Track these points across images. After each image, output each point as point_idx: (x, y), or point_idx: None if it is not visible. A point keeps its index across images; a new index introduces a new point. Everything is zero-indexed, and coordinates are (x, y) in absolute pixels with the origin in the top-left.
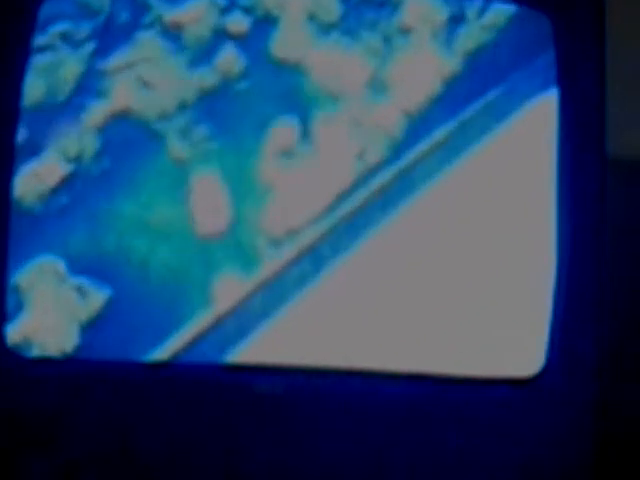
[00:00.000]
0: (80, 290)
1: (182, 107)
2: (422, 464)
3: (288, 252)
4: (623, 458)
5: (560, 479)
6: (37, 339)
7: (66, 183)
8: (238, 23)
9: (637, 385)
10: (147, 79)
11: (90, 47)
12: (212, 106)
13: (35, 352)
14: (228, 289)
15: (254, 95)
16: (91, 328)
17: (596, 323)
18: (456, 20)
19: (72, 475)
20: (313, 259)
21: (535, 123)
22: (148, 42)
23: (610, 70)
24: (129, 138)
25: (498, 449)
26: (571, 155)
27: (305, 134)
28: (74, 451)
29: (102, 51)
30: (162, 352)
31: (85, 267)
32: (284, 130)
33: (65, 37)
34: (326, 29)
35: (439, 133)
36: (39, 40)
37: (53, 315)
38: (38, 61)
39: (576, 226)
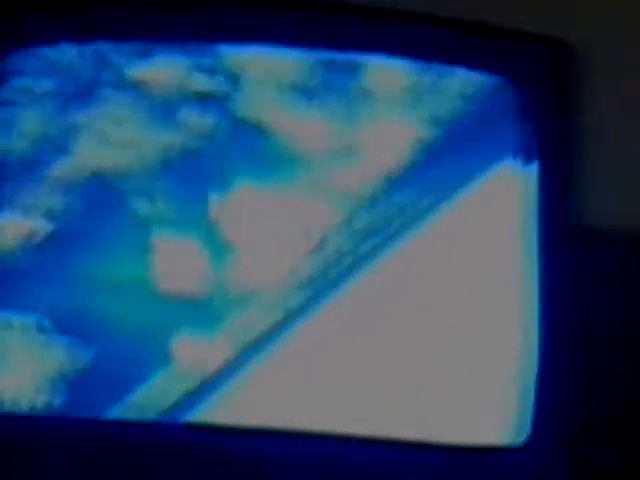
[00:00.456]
0: (46, 347)
1: (144, 165)
2: None
3: (250, 313)
4: None
5: None
6: (7, 395)
7: (27, 240)
8: (202, 83)
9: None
10: (110, 136)
11: (52, 102)
12: (175, 165)
13: (5, 408)
14: (188, 349)
15: (217, 154)
16: (55, 385)
17: (572, 388)
18: (420, 87)
19: None
20: (278, 320)
21: (499, 190)
22: (111, 99)
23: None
24: (91, 196)
25: None
26: (537, 223)
27: (268, 195)
28: None
29: (64, 107)
30: (123, 410)
31: (52, 325)
32: (247, 190)
33: (27, 92)
34: (289, 91)
35: (402, 198)
36: (2, 94)
37: (22, 371)
38: (0, 115)
39: (548, 294)
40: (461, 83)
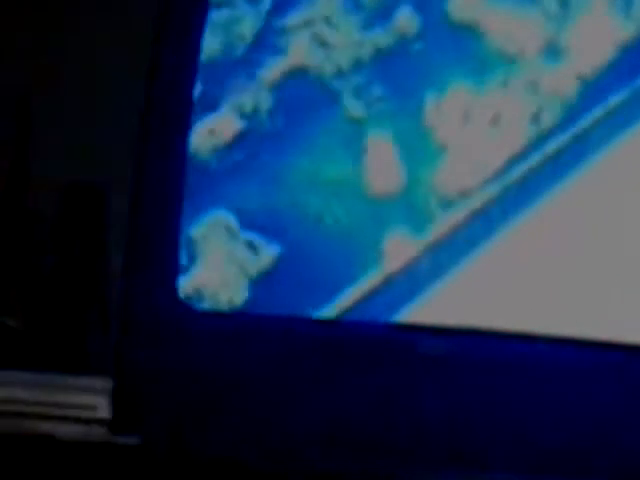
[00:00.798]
0: (251, 245)
1: (358, 66)
2: (581, 430)
3: (459, 214)
4: None
5: None
6: (208, 292)
7: (240, 139)
8: None
9: None
10: (324, 37)
11: (268, 4)
12: (388, 66)
13: (206, 305)
14: (398, 249)
15: (430, 56)
16: (261, 283)
17: None
18: None
19: (238, 430)
20: (484, 222)
21: None
22: (325, 1)
23: None
24: (304, 96)
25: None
26: None
27: (480, 96)
28: (238, 404)
29: (279, 8)
30: (331, 309)
31: (257, 223)
32: (459, 91)
33: None
34: None
35: (614, 100)
36: None
37: (224, 269)
38: (216, 17)
39: None
40: None
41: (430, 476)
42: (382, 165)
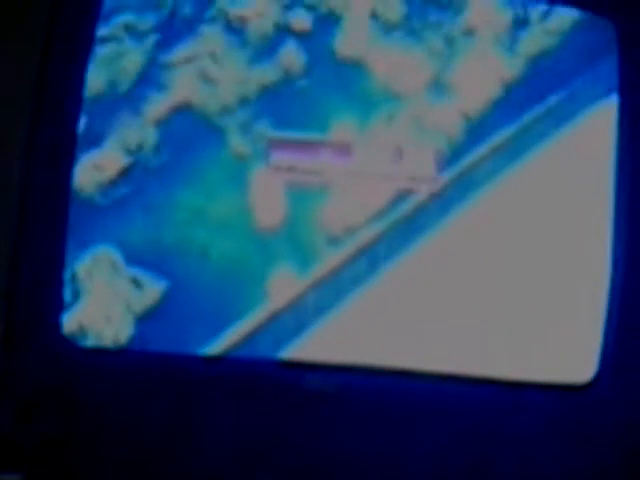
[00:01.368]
0: (136, 281)
1: (243, 102)
2: (471, 468)
3: (345, 250)
4: None
5: None
6: (92, 329)
7: (125, 174)
8: (301, 20)
9: None
10: (209, 73)
11: (153, 39)
12: (273, 102)
13: (90, 342)
14: (284, 285)
15: (315, 92)
16: (147, 320)
17: None
18: (519, 23)
19: (122, 465)
20: (369, 258)
21: (596, 130)
22: (211, 36)
23: None
24: (190, 131)
25: (548, 453)
26: (630, 164)
27: (365, 131)
28: (124, 441)
29: (165, 44)
30: (216, 346)
31: (142, 258)
32: (344, 127)
33: (128, 28)
34: (389, 28)
35: (499, 137)
36: (102, 31)
37: (109, 305)
38: (101, 52)
39: (633, 234)
40: (559, 20)
41: None
42: (267, 201)
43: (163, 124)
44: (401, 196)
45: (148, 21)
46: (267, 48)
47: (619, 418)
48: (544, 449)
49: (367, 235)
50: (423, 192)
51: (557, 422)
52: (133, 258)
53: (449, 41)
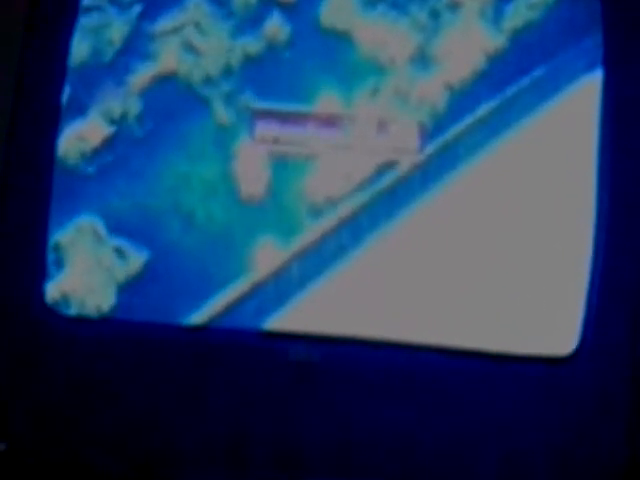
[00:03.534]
0: (119, 251)
1: (228, 73)
2: (453, 439)
3: (328, 221)
4: None
5: (592, 459)
6: (75, 298)
7: (109, 144)
8: None
9: None
10: (193, 43)
11: (137, 9)
12: (258, 73)
13: (73, 310)
14: (267, 255)
15: (299, 63)
16: (130, 289)
17: (633, 308)
18: None
19: (105, 433)
20: (353, 229)
21: (579, 104)
22: (195, 6)
23: None
24: (173, 101)
25: (530, 426)
26: (614, 137)
27: (349, 104)
28: (105, 410)
29: (149, 14)
30: (199, 316)
31: (125, 228)
32: (328, 99)
33: None
34: (374, 0)
35: (482, 109)
36: (87, 1)
37: (92, 275)
38: (85, 22)
39: (616, 208)
40: None
41: None
42: (251, 172)
43: (147, 94)
44: (384, 168)
45: None
46: (252, 19)
47: (600, 390)
48: (527, 421)
49: (350, 206)
50: (406, 164)
51: (539, 394)
52: (116, 228)
53: (434, 14)
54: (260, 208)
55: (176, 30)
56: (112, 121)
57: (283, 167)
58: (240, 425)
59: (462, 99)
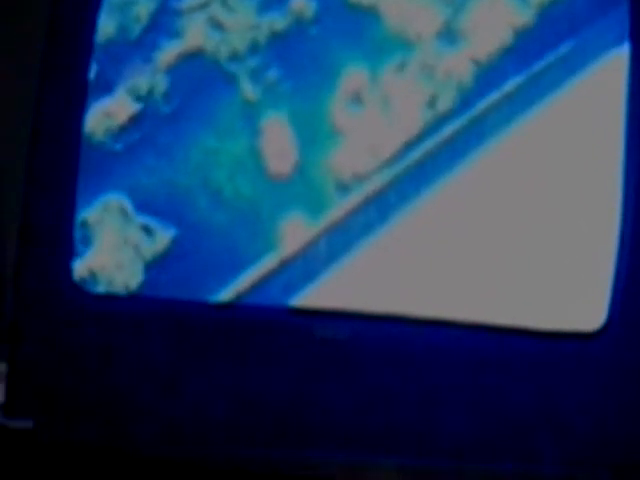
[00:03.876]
0: (146, 228)
1: (254, 49)
2: (484, 415)
3: (355, 197)
4: None
5: (625, 434)
6: (103, 275)
7: (136, 121)
8: None
9: None
10: (220, 20)
11: None
12: (284, 49)
13: (101, 288)
14: (295, 232)
15: (326, 39)
16: (157, 267)
17: None
18: None
19: (132, 410)
20: (380, 205)
21: (607, 78)
22: None
23: None
24: (200, 78)
25: (560, 401)
26: None
27: (376, 79)
28: (135, 389)
29: None
30: (227, 293)
31: (152, 206)
32: (355, 75)
33: None
34: None
35: (509, 84)
36: None
37: (119, 252)
38: None
39: None
40: None
41: (334, 460)
42: (278, 148)
43: (174, 70)
44: (411, 144)
45: None
46: None
47: (630, 364)
48: (556, 397)
49: (377, 182)
50: (433, 140)
51: (568, 370)
52: (143, 205)
53: None
54: (288, 184)
55: (202, 6)
56: (139, 98)
57: (311, 143)
58: (268, 402)
59: (489, 74)
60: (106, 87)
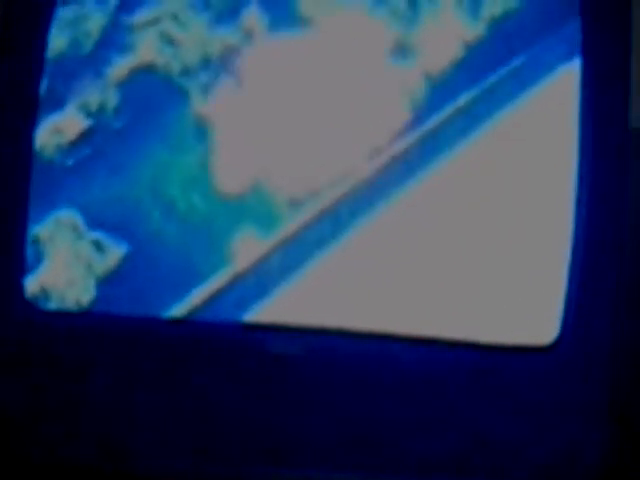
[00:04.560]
0: (98, 244)
1: (205, 64)
2: (435, 430)
3: (308, 213)
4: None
5: (571, 450)
6: (55, 292)
7: (87, 137)
8: None
9: None
10: (171, 35)
11: (115, 1)
12: (235, 64)
13: (53, 305)
14: (248, 247)
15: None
16: (109, 282)
17: (614, 300)
18: None
19: (86, 429)
20: (333, 220)
21: (559, 92)
22: None
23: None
24: (152, 93)
25: (511, 415)
26: (593, 125)
27: (329, 95)
28: (86, 405)
29: (127, 5)
30: (179, 309)
31: (104, 221)
32: (308, 87)
33: None
34: None
35: (462, 99)
36: None
37: (71, 268)
38: (63, 13)
39: (596, 195)
40: None
41: (279, 477)
42: (231, 163)
43: (125, 85)
44: (363, 159)
45: None
46: (229, 10)
47: (582, 379)
48: (507, 410)
49: (330, 197)
50: (385, 156)
51: (520, 383)
52: (95, 221)
53: (412, 3)
54: (240, 199)
55: (154, 21)
56: (90, 114)
57: (262, 158)
58: (219, 418)
59: (441, 88)
60: (57, 102)
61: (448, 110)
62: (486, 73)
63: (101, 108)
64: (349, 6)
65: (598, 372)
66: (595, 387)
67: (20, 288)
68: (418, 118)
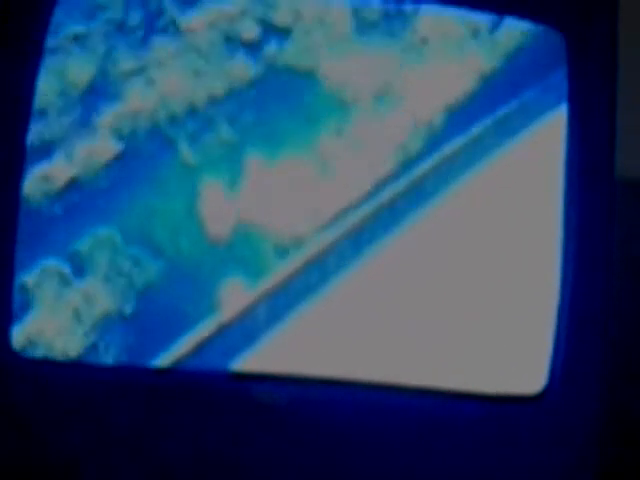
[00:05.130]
0: (86, 293)
1: (192, 112)
2: (419, 479)
3: (295, 261)
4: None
5: None
6: (42, 341)
7: (75, 184)
8: (250, 31)
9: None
10: (158, 83)
11: (102, 50)
12: (222, 112)
13: (40, 354)
14: (234, 295)
15: (265, 102)
16: (97, 331)
17: (601, 343)
18: (470, 35)
19: (70, 477)
20: (320, 268)
21: (547, 140)
22: (160, 47)
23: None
24: (139, 141)
25: (501, 465)
26: (580, 173)
27: (314, 143)
28: (73, 455)
29: (114, 54)
30: (166, 358)
31: (91, 269)
32: (294, 139)
33: (77, 39)
34: (340, 39)
35: (450, 148)
36: (51, 42)
37: (59, 317)
38: (50, 63)
39: (583, 245)
40: (508, 31)
41: None
42: (216, 212)
43: (112, 133)
44: (351, 207)
45: (97, 32)
46: (216, 59)
47: (570, 428)
48: (494, 461)
49: (317, 246)
50: (372, 204)
51: (508, 433)
52: (83, 269)
53: (400, 52)
54: (226, 247)
55: (141, 70)
56: (78, 162)
57: (249, 206)
58: (206, 467)
59: (429, 137)
60: (44, 151)
61: (435, 158)
62: (474, 122)
63: (89, 157)
64: (337, 54)
65: (585, 421)
66: (584, 436)
67: (7, 337)
68: (406, 165)
